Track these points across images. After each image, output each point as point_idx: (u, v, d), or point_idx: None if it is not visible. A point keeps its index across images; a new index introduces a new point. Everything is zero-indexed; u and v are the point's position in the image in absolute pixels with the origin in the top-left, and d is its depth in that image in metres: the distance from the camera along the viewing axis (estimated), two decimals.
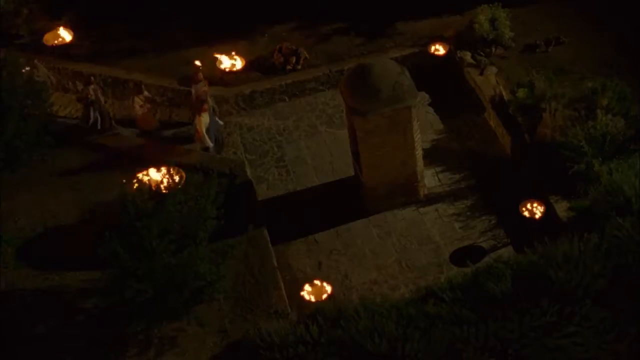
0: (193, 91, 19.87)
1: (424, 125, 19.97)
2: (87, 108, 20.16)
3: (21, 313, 16.49)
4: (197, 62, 19.90)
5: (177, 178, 16.42)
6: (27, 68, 20.14)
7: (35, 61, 20.68)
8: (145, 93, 20.32)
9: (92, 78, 20.35)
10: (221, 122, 20.21)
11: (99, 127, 20.09)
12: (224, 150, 20.16)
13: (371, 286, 17.40)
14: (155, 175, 17.55)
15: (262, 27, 22.80)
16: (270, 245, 17.61)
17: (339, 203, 18.99)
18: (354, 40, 22.40)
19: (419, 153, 18.45)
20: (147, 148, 19.77)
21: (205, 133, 19.50)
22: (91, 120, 20.10)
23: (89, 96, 20.01)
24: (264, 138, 20.78)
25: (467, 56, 21.40)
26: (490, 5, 21.60)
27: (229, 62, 21.07)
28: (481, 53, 21.39)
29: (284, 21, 22.95)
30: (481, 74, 21.07)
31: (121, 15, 22.81)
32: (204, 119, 19.36)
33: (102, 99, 20.30)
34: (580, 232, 15.85)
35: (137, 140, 20.08)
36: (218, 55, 21.15)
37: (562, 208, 17.60)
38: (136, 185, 16.72)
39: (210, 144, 19.61)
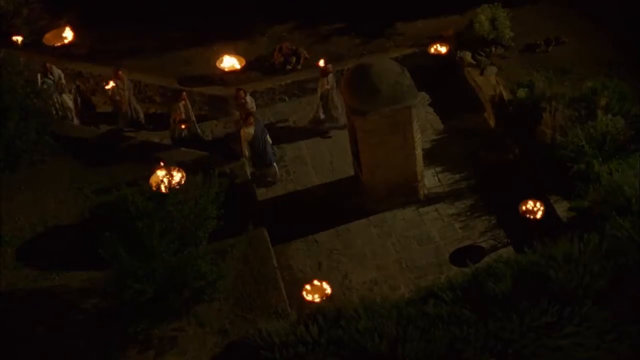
0: (320, 87, 20.02)
1: (424, 125, 19.97)
2: (176, 124, 20.09)
3: (21, 313, 16.49)
4: (321, 62, 20.30)
5: (177, 178, 16.38)
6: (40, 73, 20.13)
7: (47, 64, 20.43)
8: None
9: (183, 93, 20.08)
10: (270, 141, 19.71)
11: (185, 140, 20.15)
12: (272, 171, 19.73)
13: (371, 286, 17.36)
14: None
15: (262, 27, 22.82)
16: (270, 245, 17.59)
17: (339, 203, 18.99)
18: (354, 40, 22.42)
19: (419, 153, 18.44)
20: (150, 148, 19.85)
21: (246, 144, 19.02)
22: (180, 134, 20.18)
23: (181, 115, 19.94)
24: None
25: (467, 56, 21.41)
26: (490, 5, 21.60)
27: (229, 62, 20.97)
28: (481, 53, 21.39)
29: (284, 21, 22.97)
30: (481, 73, 21.08)
31: (121, 15, 22.84)
32: (248, 131, 18.87)
33: (191, 114, 20.20)
34: (580, 232, 15.82)
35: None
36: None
37: (562, 208, 17.57)
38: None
39: (247, 154, 19.17)
